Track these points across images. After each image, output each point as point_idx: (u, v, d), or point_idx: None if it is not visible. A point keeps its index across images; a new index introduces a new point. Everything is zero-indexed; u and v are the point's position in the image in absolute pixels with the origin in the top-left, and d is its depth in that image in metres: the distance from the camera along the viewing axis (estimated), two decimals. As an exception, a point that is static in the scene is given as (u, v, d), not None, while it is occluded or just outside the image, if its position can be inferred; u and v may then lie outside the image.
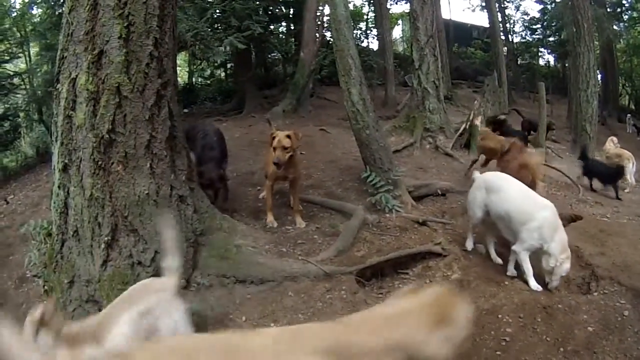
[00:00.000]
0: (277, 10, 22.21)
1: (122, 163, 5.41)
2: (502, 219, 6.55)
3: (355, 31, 29.89)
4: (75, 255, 5.59)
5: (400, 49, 39.94)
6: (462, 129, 14.09)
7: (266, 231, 7.59)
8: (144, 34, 5.48)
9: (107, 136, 5.31)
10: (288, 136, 7.55)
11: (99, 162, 5.32)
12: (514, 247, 6.44)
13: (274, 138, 7.58)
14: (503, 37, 35.01)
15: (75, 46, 5.36)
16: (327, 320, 5.33)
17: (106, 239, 5.40)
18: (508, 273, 6.66)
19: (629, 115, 29.29)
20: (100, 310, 5.34)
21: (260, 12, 18.91)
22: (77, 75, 5.33)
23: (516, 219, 6.34)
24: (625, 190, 12.67)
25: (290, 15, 24.60)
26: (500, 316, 5.83)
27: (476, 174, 7.22)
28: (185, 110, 22.64)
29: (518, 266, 6.53)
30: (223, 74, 28.01)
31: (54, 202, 5.72)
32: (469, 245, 7.19)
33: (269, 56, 25.85)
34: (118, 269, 5.45)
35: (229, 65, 25.73)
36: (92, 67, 5.28)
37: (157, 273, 5.48)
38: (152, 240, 5.58)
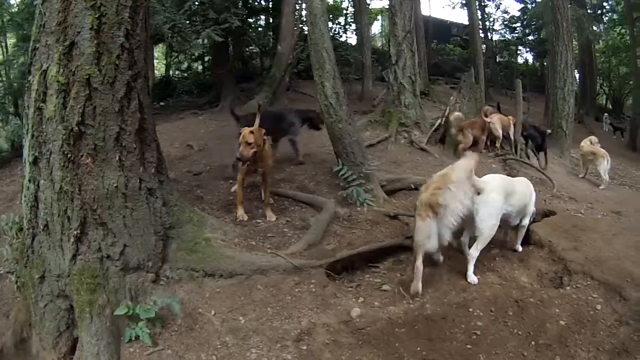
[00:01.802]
0: (256, 3, 22.19)
1: (92, 156, 5.33)
2: (519, 211, 7.07)
3: (334, 26, 29.93)
4: (45, 250, 5.52)
5: (379, 44, 40.07)
6: (437, 124, 14.23)
7: (236, 224, 7.59)
8: (116, 25, 5.38)
9: (76, 128, 5.22)
10: (252, 132, 7.65)
11: (69, 155, 5.24)
12: (524, 223, 7.25)
13: (239, 134, 7.69)
14: (482, 35, 35.41)
15: (47, 37, 5.28)
16: (296, 314, 5.43)
17: (75, 232, 5.33)
18: (519, 248, 7.31)
19: (606, 114, 30.05)
20: (71, 306, 5.36)
21: (239, 5, 18.82)
22: (48, 67, 5.25)
23: (529, 203, 7.23)
24: (600, 187, 13.03)
25: (269, 9, 24.52)
26: (471, 310, 5.89)
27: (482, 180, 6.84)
28: (162, 104, 22.59)
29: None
30: (200, 67, 27.96)
31: (25, 196, 5.66)
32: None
33: (247, 49, 25.82)
34: (87, 263, 5.38)
35: (206, 58, 25.71)
36: (63, 59, 5.19)
37: (125, 267, 5.55)
38: (120, 233, 5.55)
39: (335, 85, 8.87)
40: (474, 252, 6.54)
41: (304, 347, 5.11)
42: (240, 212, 7.90)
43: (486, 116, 13.68)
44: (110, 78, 5.38)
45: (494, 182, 6.79)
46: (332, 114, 8.82)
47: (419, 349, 5.23)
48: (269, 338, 5.21)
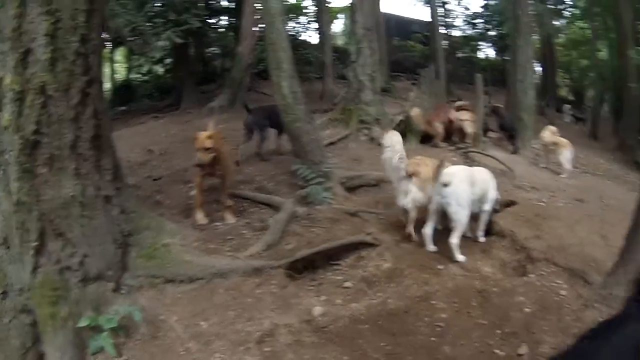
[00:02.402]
0: (217, 3, 22.02)
1: (48, 165, 5.26)
2: (480, 199, 7.34)
3: (294, 25, 30.01)
4: (7, 264, 5.45)
5: (341, 42, 40.14)
6: (398, 120, 14.27)
7: (195, 228, 7.54)
8: (71, 30, 5.31)
9: (32, 137, 5.16)
10: (210, 137, 7.60)
11: (25, 165, 5.18)
12: (485, 209, 7.51)
13: (195, 139, 7.62)
14: (444, 31, 35.97)
15: (2, 45, 5.20)
16: (257, 316, 5.42)
17: (34, 244, 5.25)
18: (482, 238, 7.60)
19: (567, 105, 30.56)
20: (35, 320, 5.25)
21: (201, 6, 18.70)
22: (4, 75, 5.17)
23: (489, 189, 7.49)
24: (562, 176, 13.29)
25: (231, 9, 24.32)
26: (434, 302, 5.97)
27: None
28: (123, 108, 22.38)
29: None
30: (161, 70, 27.71)
31: (-16, 210, 5.56)
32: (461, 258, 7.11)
33: (208, 51, 25.79)
34: (48, 275, 5.30)
35: (167, 61, 25.51)
36: (18, 66, 5.11)
37: (86, 277, 5.48)
38: (79, 243, 5.48)
39: (293, 85, 8.87)
40: (454, 241, 6.87)
41: (267, 349, 5.12)
42: (200, 216, 7.86)
43: (458, 111, 14.39)
44: (65, 85, 5.31)
45: (460, 173, 7.08)
46: (289, 114, 8.84)
47: (382, 344, 5.26)
48: (231, 341, 5.20)
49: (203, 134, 7.68)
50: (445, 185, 6.84)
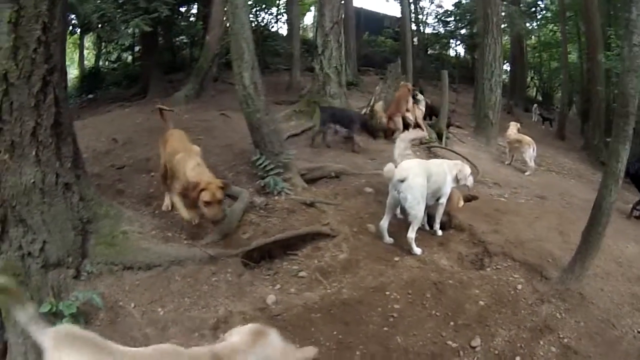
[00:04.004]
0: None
1: (9, 152, 5.24)
2: (434, 192, 7.47)
3: (265, 16, 30.18)
4: (-32, 251, 5.41)
5: (312, 35, 40.13)
6: (362, 113, 14.43)
7: (153, 216, 7.49)
8: (33, 18, 5.26)
9: (-6, 125, 5.13)
10: (222, 187, 6.69)
11: (-13, 153, 5.15)
12: (441, 201, 7.71)
13: (201, 190, 6.53)
14: (415, 28, 36.74)
15: (-35, 32, 5.16)
16: (213, 303, 5.42)
17: (-4, 231, 5.25)
18: (439, 232, 7.80)
19: (535, 105, 31.34)
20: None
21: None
22: (-34, 63, 5.12)
23: (444, 182, 7.60)
24: (526, 173, 13.50)
25: (201, -3, 24.04)
26: (388, 293, 6.07)
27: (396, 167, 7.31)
28: (91, 96, 22.08)
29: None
30: (130, 58, 27.63)
31: (-52, 198, 5.51)
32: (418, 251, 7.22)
33: (177, 39, 25.63)
34: (9, 261, 5.32)
35: (136, 49, 25.39)
36: (-19, 55, 5.08)
37: (46, 263, 5.48)
38: (40, 230, 5.47)
39: (254, 76, 8.81)
40: (411, 235, 7.01)
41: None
42: (167, 202, 7.63)
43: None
44: (26, 72, 5.28)
45: (416, 168, 7.13)
46: (250, 104, 8.77)
47: (335, 332, 5.37)
48: (187, 328, 5.29)
49: (215, 183, 6.64)
50: (402, 180, 6.94)
